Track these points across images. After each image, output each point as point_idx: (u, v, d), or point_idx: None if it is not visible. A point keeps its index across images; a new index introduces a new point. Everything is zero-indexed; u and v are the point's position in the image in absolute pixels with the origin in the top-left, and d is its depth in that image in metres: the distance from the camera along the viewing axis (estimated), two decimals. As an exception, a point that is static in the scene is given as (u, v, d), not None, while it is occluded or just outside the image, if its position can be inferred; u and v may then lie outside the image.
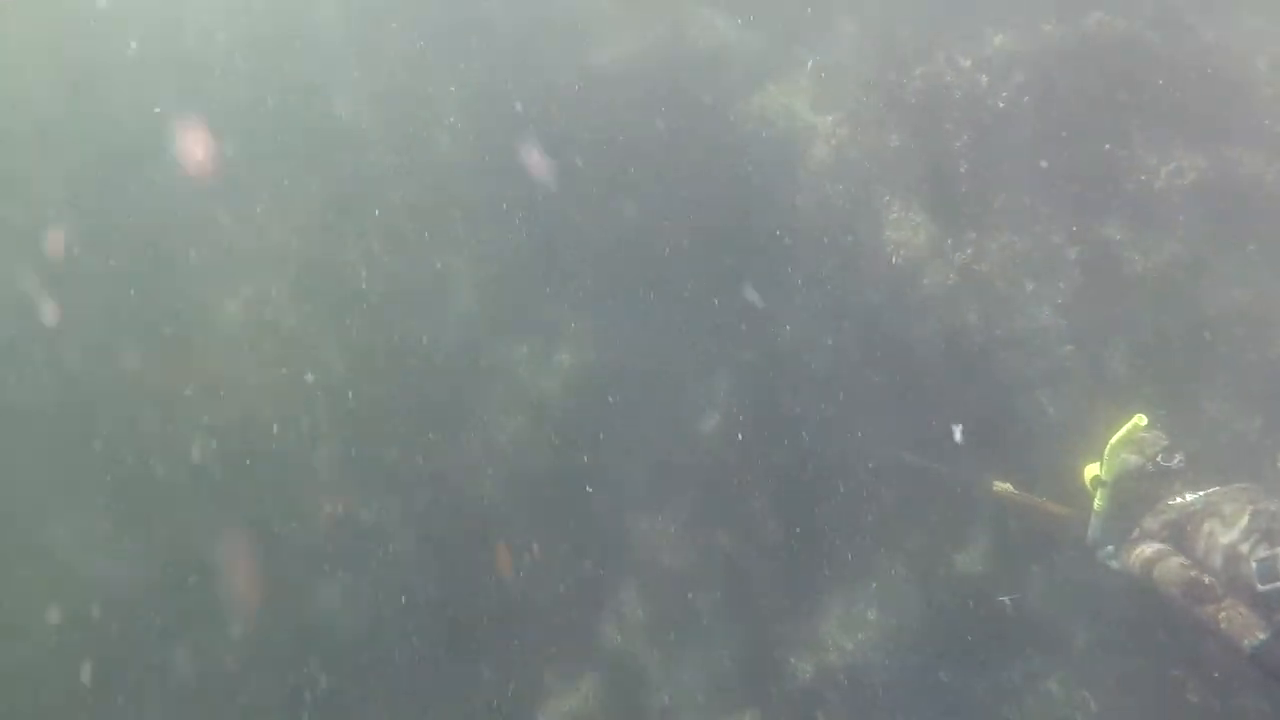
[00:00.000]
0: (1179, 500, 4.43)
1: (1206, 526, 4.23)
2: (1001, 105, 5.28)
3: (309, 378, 6.07)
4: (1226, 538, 4.15)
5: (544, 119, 6.70)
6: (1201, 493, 4.41)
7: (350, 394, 6.08)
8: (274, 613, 5.77)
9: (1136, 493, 4.54)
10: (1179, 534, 4.32)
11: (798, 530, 6.04)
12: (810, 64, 6.49)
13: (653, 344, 6.50)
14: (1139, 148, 5.38)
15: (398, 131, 6.71)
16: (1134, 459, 4.56)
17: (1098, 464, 4.64)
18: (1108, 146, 5.35)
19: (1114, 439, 4.54)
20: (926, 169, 5.26)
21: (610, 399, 6.43)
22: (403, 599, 5.81)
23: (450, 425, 6.12)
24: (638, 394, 6.49)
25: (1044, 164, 5.31)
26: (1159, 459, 4.53)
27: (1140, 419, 4.48)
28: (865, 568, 5.95)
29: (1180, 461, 4.54)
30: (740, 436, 6.21)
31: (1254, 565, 4.02)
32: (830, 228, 5.51)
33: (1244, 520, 4.14)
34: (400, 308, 6.36)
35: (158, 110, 6.59)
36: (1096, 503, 4.60)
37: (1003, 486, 5.08)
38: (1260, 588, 3.98)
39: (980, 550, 5.59)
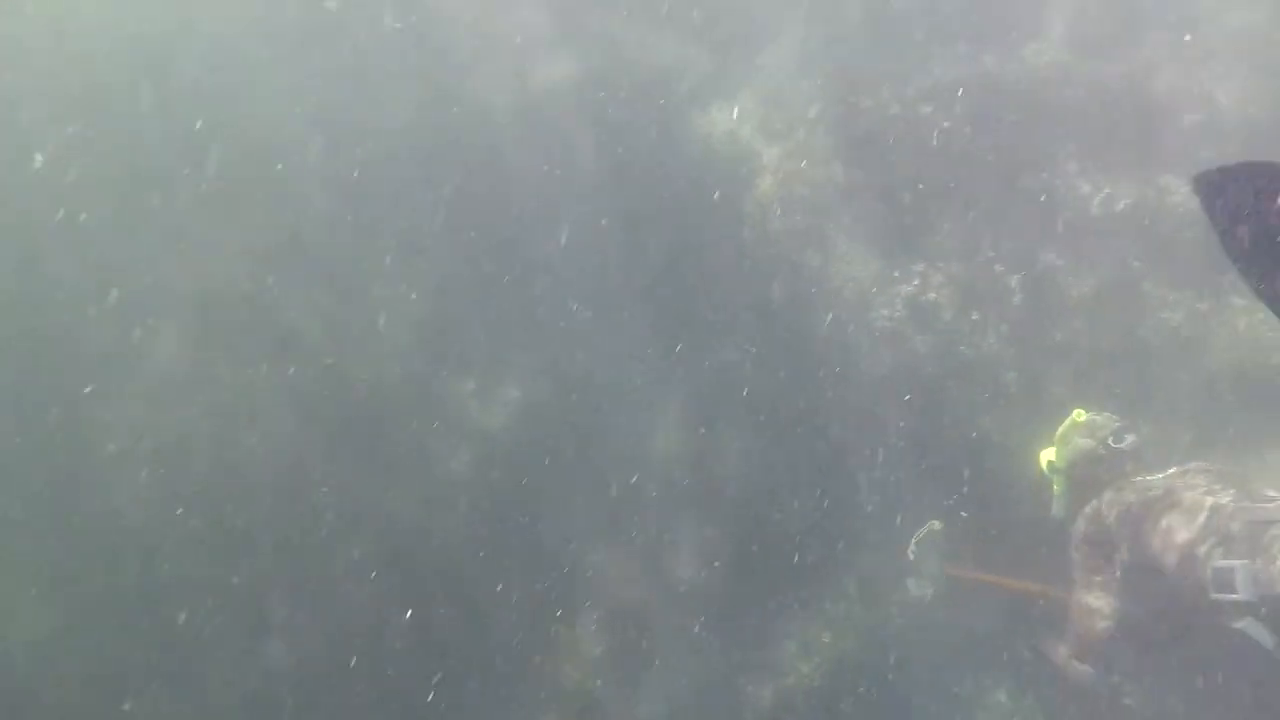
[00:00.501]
0: (1140, 479, 4.37)
1: (1164, 522, 4.10)
2: (945, 136, 5.32)
3: (246, 425, 5.87)
4: (1183, 535, 4.02)
5: (480, 144, 6.56)
6: (1160, 475, 4.36)
7: (291, 437, 5.89)
8: (223, 666, 5.58)
9: (1092, 476, 4.56)
10: (1136, 525, 4.21)
11: (752, 556, 6.09)
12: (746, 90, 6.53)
13: (600, 376, 6.46)
14: (1074, 176, 5.50)
15: (329, 161, 6.50)
16: (1086, 442, 4.60)
17: (1052, 450, 4.69)
18: (1045, 175, 5.45)
19: (1061, 429, 4.61)
20: (873, 201, 5.29)
21: (559, 431, 6.37)
22: (352, 656, 5.61)
23: (399, 465, 5.97)
24: (587, 425, 6.44)
25: (986, 193, 5.38)
26: (1110, 441, 4.56)
27: (1079, 413, 4.54)
28: (819, 591, 6.02)
29: (1132, 442, 4.58)
30: (691, 465, 6.23)
31: (1210, 571, 3.87)
32: (778, 260, 5.51)
33: (1201, 518, 4.01)
34: (339, 346, 6.17)
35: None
36: (1055, 488, 4.65)
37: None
38: (1212, 595, 3.86)
39: (930, 571, 5.69)
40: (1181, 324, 5.49)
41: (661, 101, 6.55)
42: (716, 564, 6.05)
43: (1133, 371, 5.47)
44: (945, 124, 5.32)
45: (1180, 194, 5.58)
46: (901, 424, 5.41)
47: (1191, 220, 5.60)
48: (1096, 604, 4.27)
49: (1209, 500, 4.05)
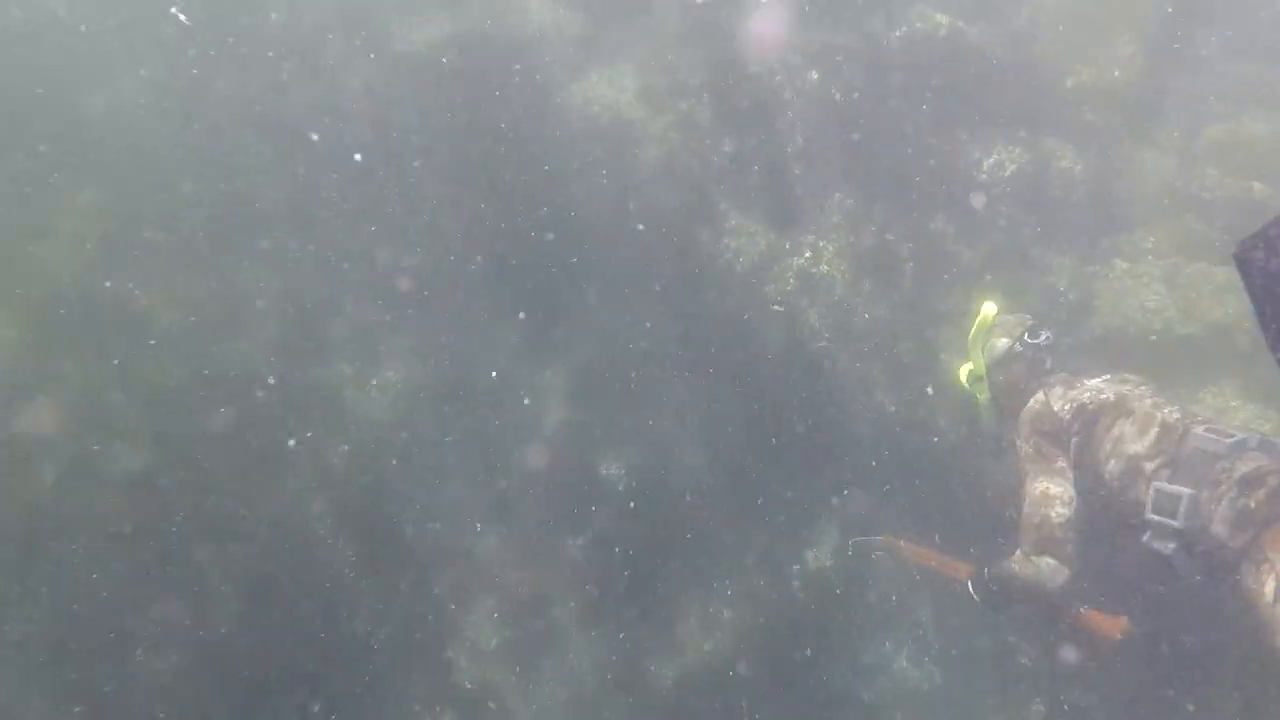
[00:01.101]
0: (1090, 382, 4.32)
1: (1116, 429, 4.09)
2: (833, 104, 5.13)
3: (98, 426, 5.35)
4: (1133, 447, 4.02)
5: (343, 115, 6.09)
6: (1100, 379, 4.35)
7: (150, 439, 5.40)
8: (89, 679, 5.13)
9: (1012, 376, 4.49)
10: (1089, 424, 4.18)
11: (647, 533, 5.91)
12: (622, 55, 6.21)
13: (480, 356, 6.13)
14: (962, 142, 5.39)
15: (182, 139, 5.93)
16: (1003, 341, 4.51)
17: (968, 362, 4.55)
18: (934, 141, 5.33)
19: (971, 334, 4.46)
20: (763, 173, 5.07)
21: (443, 413, 6.05)
22: (229, 663, 5.23)
23: (272, 462, 5.55)
24: (469, 407, 6.12)
25: (875, 161, 5.23)
26: (1025, 337, 4.48)
27: (989, 306, 4.41)
28: (717, 567, 5.90)
29: (1047, 338, 4.51)
30: (579, 449, 6.00)
31: (1152, 490, 3.90)
32: (666, 236, 5.26)
33: (1153, 433, 4.00)
34: (200, 337, 5.66)
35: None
36: (980, 397, 4.51)
37: (893, 541, 5.00)
38: (1148, 514, 3.90)
39: (829, 545, 5.63)
40: (1068, 288, 5.49)
41: (537, 74, 6.21)
42: (610, 548, 5.86)
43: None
44: (834, 92, 5.11)
45: (1066, 159, 5.56)
46: (797, 398, 5.27)
47: (1076, 184, 5.61)
48: (1055, 490, 4.12)
49: (1159, 415, 4.05)
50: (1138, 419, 4.05)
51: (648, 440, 5.89)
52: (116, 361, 5.50)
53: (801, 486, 5.69)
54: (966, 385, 4.59)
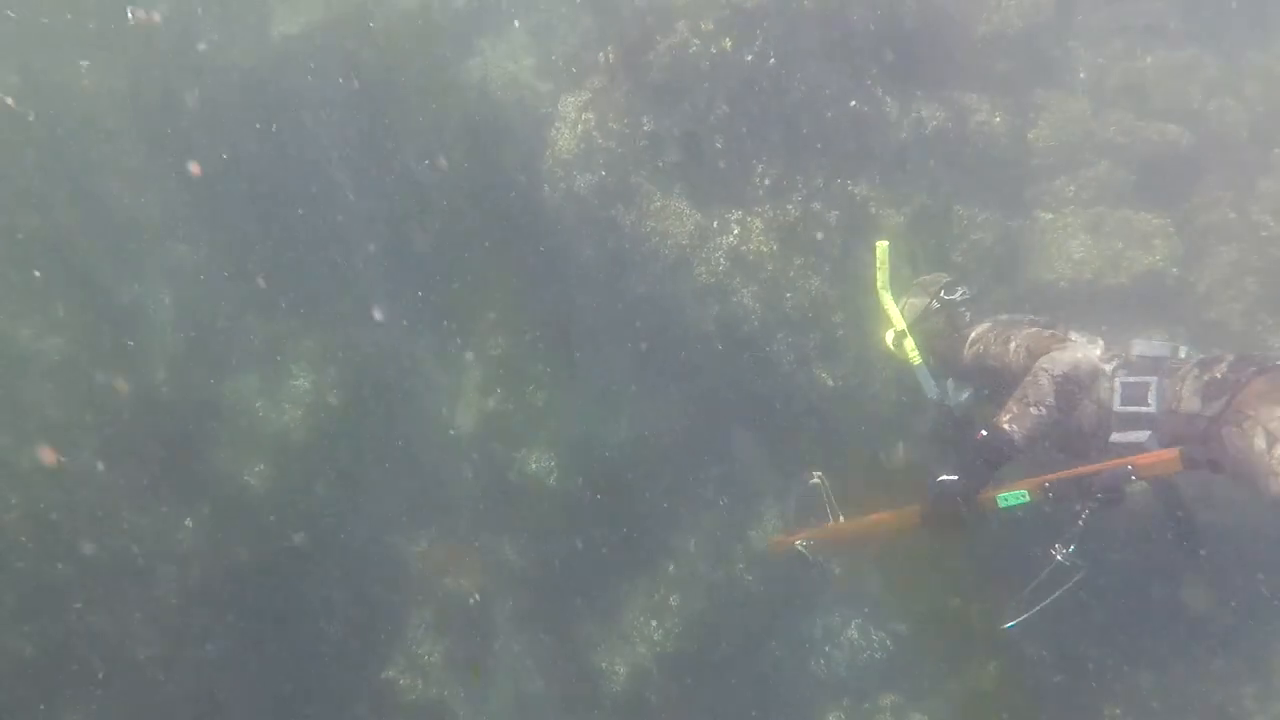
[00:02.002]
0: (1020, 317, 4.32)
1: (1066, 352, 4.00)
2: (750, 70, 4.84)
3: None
4: (1087, 354, 4.01)
5: (220, 109, 5.56)
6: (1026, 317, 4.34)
7: (44, 475, 4.90)
8: None
9: (936, 332, 4.40)
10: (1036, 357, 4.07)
11: (585, 527, 5.67)
12: (517, 24, 5.81)
13: (393, 353, 5.75)
14: (882, 103, 5.17)
15: (45, 140, 5.34)
16: (920, 300, 4.42)
17: (888, 323, 4.35)
18: (853, 103, 5.09)
19: (878, 281, 4.28)
20: (683, 149, 4.77)
21: (360, 417, 5.66)
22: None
23: (183, 489, 5.10)
24: (388, 408, 5.76)
25: (797, 129, 4.98)
26: (943, 294, 4.39)
27: (882, 244, 4.22)
28: (661, 555, 5.70)
29: (964, 293, 4.43)
30: (508, 446, 5.70)
31: (1119, 384, 3.97)
32: (587, 221, 4.93)
33: (1098, 348, 4.09)
34: (90, 354, 5.14)
35: None
36: (911, 356, 4.32)
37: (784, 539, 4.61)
38: (1118, 408, 3.95)
39: (771, 523, 5.46)
40: (994, 244, 5.36)
41: (427, 40, 5.76)
42: (545, 543, 5.60)
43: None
44: (748, 57, 4.82)
45: (983, 112, 5.39)
46: (733, 379, 5.04)
47: (996, 138, 5.45)
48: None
49: (1099, 339, 4.14)
50: (1081, 344, 4.08)
51: (577, 430, 5.62)
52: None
53: (741, 466, 5.50)
54: (892, 349, 4.41)
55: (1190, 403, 3.84)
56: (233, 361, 5.48)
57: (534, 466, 5.60)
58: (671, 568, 5.64)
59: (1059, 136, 5.49)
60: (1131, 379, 3.95)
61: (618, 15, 5.33)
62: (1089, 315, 5.21)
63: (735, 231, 4.83)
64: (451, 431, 5.73)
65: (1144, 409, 3.90)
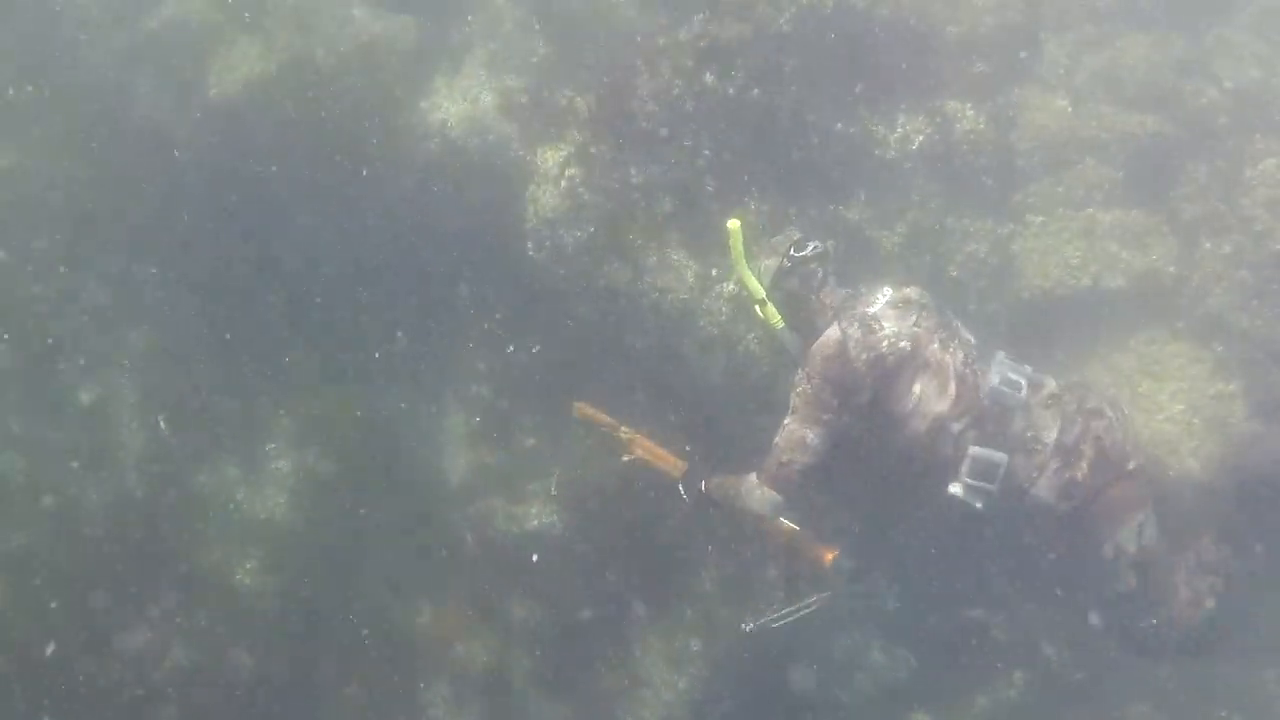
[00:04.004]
0: (887, 332, 4.07)
1: (918, 386, 4.00)
2: (733, 104, 4.49)
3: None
4: (937, 406, 3.98)
5: (162, 180, 5.04)
6: (887, 293, 4.18)
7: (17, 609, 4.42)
8: None
9: (795, 294, 4.22)
10: (888, 379, 4.00)
11: (594, 578, 5.38)
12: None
13: (379, 419, 5.35)
14: (867, 120, 4.87)
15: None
16: (771, 261, 4.22)
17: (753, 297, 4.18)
18: (839, 125, 4.78)
19: (733, 257, 4.09)
20: (675, 197, 4.41)
21: (349, 492, 5.26)
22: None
23: (172, 602, 4.66)
24: (377, 477, 5.36)
25: (784, 157, 4.66)
26: (792, 252, 4.19)
27: (734, 223, 4.02)
28: (675, 597, 5.44)
29: (815, 248, 4.22)
30: (505, 496, 5.37)
31: (969, 459, 3.95)
32: (578, 279, 4.56)
33: (952, 388, 4.00)
34: (43, 453, 4.62)
35: None
36: (775, 321, 4.18)
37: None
38: (964, 477, 3.96)
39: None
40: (988, 254, 5.13)
41: (378, 82, 5.28)
42: (558, 600, 5.30)
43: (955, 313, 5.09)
44: (730, 90, 4.47)
45: (967, 118, 5.11)
46: (743, 426, 4.76)
47: (983, 144, 5.18)
48: (811, 440, 4.05)
49: (951, 363, 4.06)
50: (935, 373, 4.04)
51: (581, 482, 5.31)
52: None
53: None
54: (761, 316, 4.23)
55: (1046, 495, 3.98)
56: (206, 451, 5.03)
57: (535, 523, 5.29)
58: (689, 612, 5.39)
59: (1041, 136, 5.25)
60: (982, 453, 3.95)
61: (576, 43, 4.94)
62: (1092, 320, 5.08)
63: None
64: (445, 491, 5.39)
65: (988, 487, 3.96)
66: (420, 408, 5.42)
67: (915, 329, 4.08)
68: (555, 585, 5.36)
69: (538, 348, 5.12)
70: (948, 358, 4.05)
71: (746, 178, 4.53)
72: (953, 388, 3.99)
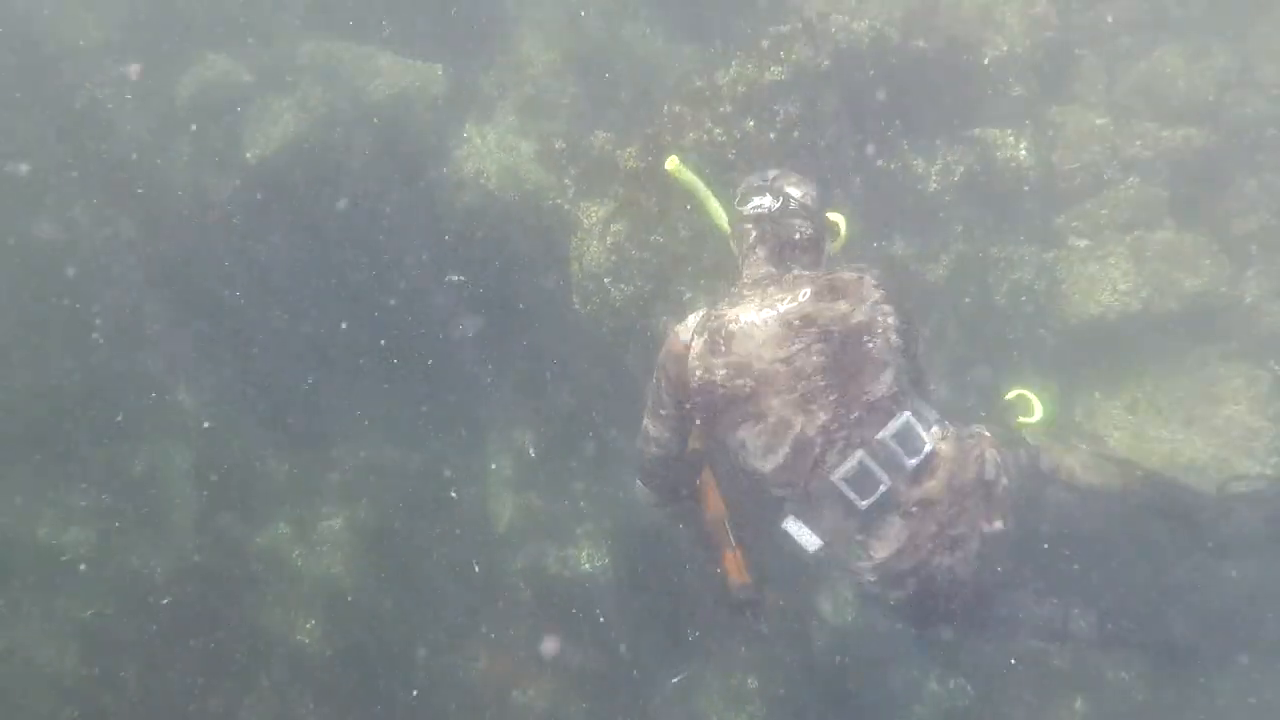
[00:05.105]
0: (737, 360, 3.30)
1: (742, 433, 3.24)
2: (774, 148, 4.37)
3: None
4: (757, 464, 3.28)
5: (201, 244, 4.99)
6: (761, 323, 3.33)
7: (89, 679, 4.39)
8: None
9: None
10: (712, 411, 3.33)
11: (647, 618, 5.30)
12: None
13: (426, 470, 5.28)
14: (906, 154, 4.74)
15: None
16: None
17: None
18: (880, 161, 4.66)
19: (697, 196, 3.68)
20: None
21: (401, 546, 5.20)
22: None
23: (240, 667, 4.60)
24: (427, 528, 5.30)
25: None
26: (736, 203, 3.65)
27: (671, 161, 3.59)
28: (727, 632, 5.37)
29: (756, 206, 3.58)
30: (555, 538, 5.31)
31: (856, 457, 3.19)
32: (624, 332, 4.46)
33: (782, 454, 3.24)
34: (117, 540, 4.59)
35: None
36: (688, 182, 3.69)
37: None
38: (835, 476, 3.18)
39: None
40: (1034, 280, 4.99)
41: (411, 137, 5.19)
42: (612, 641, 5.24)
43: (1001, 342, 4.96)
44: (771, 136, 4.35)
45: (1007, 145, 4.97)
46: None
47: (1024, 171, 5.03)
48: (653, 432, 3.50)
49: (797, 426, 3.19)
50: (768, 430, 3.22)
51: (626, 522, 5.23)
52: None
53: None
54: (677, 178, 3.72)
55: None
56: (260, 512, 5.00)
57: (590, 568, 5.23)
58: (744, 650, 5.32)
59: (1082, 157, 5.11)
60: (873, 465, 3.17)
61: (606, 80, 4.83)
62: (1143, 345, 4.93)
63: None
64: (499, 540, 5.33)
65: (856, 500, 3.19)
66: (466, 456, 5.37)
67: (775, 366, 3.21)
68: (608, 627, 5.31)
69: (580, 395, 5.07)
70: (797, 419, 3.18)
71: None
72: (783, 455, 3.20)
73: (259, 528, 5.01)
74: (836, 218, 3.71)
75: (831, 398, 3.18)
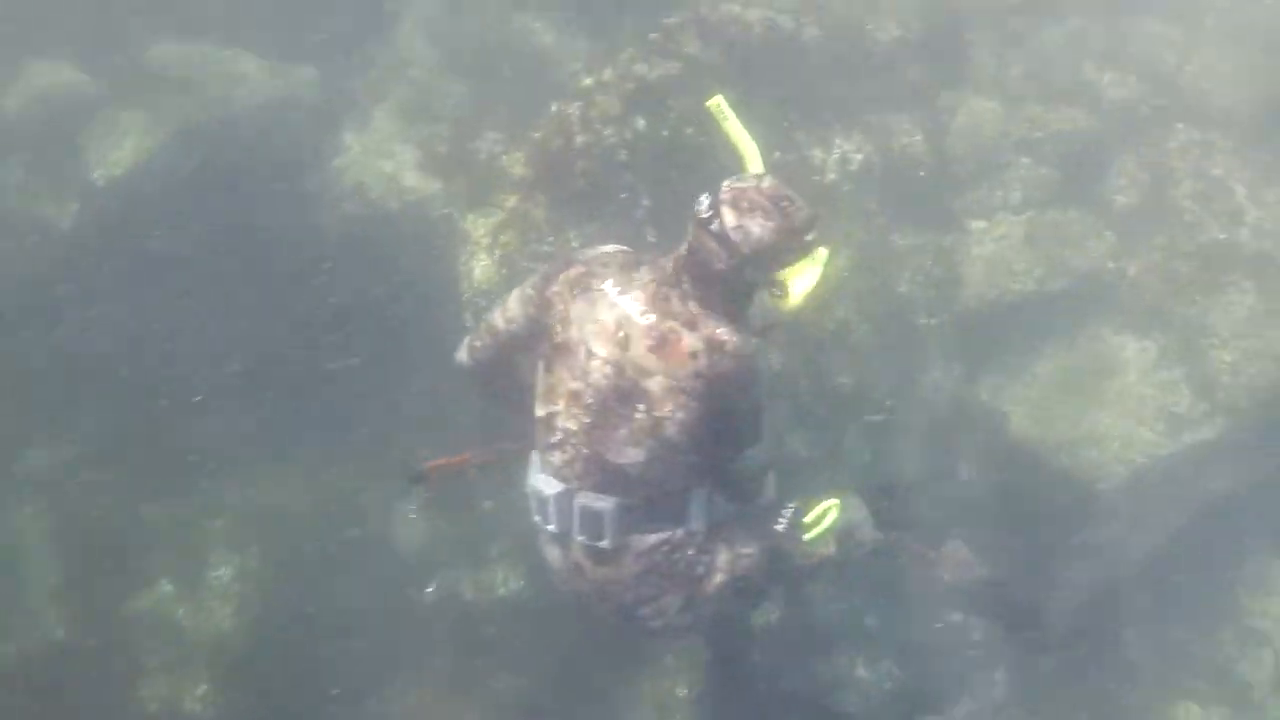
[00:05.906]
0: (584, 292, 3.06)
1: (560, 374, 3.01)
2: (666, 148, 4.14)
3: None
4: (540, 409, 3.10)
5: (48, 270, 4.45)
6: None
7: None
8: None
9: None
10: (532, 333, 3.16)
11: (570, 636, 5.06)
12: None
13: (322, 505, 4.88)
14: (803, 145, 4.58)
15: None
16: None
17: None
18: (777, 154, 4.47)
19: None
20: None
21: (301, 590, 4.79)
22: None
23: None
24: (329, 567, 4.90)
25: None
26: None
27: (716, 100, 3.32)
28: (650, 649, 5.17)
29: (703, 201, 3.07)
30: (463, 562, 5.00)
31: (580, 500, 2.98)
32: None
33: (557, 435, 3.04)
34: None
35: None
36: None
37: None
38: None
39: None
40: (932, 265, 4.92)
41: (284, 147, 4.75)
42: (536, 664, 4.97)
43: (900, 333, 4.88)
44: (664, 133, 4.12)
45: (904, 131, 4.88)
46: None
47: (922, 157, 4.95)
48: (514, 309, 3.22)
49: (559, 405, 2.97)
50: (548, 386, 3.02)
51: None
52: None
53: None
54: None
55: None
56: (135, 571, 4.50)
57: (505, 592, 4.94)
58: (669, 658, 5.13)
59: (973, 140, 5.06)
60: (565, 506, 2.99)
61: (493, 79, 4.52)
62: (1039, 321, 4.92)
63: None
64: (405, 570, 4.98)
65: (543, 519, 3.11)
66: (366, 486, 4.99)
67: (583, 347, 2.93)
68: (531, 650, 5.05)
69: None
70: (561, 401, 2.96)
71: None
72: (544, 413, 3.01)
73: (135, 589, 4.53)
74: (803, 278, 3.08)
75: (587, 420, 2.93)
